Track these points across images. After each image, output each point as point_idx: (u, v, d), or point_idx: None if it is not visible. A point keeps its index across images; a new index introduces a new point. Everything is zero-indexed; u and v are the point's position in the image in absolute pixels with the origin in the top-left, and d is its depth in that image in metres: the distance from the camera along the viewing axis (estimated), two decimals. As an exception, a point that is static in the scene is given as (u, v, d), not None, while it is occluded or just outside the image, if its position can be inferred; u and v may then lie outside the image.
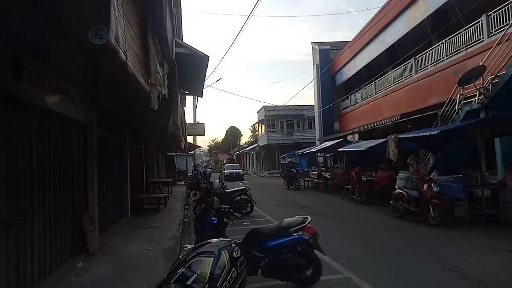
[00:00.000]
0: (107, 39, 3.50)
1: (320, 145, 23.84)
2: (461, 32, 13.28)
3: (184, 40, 12.23)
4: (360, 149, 15.51)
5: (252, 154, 53.56)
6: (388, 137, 12.64)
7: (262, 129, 45.37)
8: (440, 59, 14.69)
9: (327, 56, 28.45)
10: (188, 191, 18.36)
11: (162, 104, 7.20)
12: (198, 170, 26.38)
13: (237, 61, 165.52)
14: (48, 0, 3.60)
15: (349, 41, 25.99)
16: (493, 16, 11.63)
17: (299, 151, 25.81)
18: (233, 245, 3.59)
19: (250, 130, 71.10)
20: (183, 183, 25.59)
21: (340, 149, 18.29)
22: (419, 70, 16.34)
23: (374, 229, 9.00)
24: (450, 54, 14.07)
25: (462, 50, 13.31)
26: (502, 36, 10.37)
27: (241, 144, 67.26)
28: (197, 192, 16.58)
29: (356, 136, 20.83)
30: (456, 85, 11.80)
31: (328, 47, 29.23)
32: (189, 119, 26.90)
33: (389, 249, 7.05)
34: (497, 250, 6.50)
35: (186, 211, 12.59)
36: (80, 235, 6.24)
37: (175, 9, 9.53)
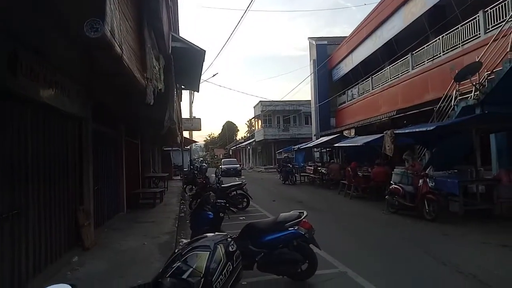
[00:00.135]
0: (103, 32, 3.45)
1: (317, 141, 23.86)
2: (458, 28, 13.30)
3: (181, 34, 12.15)
4: (356, 144, 15.56)
5: (249, 149, 53.57)
6: (384, 132, 12.67)
7: (258, 124, 45.35)
8: (437, 55, 14.72)
9: (324, 51, 28.42)
10: (184, 186, 18.35)
11: (158, 98, 7.16)
12: (194, 165, 26.36)
13: (234, 56, 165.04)
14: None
15: (346, 37, 25.94)
16: (490, 12, 11.65)
17: (295, 146, 25.86)
18: (229, 239, 3.59)
19: (247, 125, 71.11)
20: (179, 178, 25.56)
21: (336, 145, 18.32)
22: (416, 65, 16.37)
23: (369, 224, 9.04)
24: (446, 50, 14.10)
25: (459, 46, 13.33)
26: (499, 32, 10.39)
27: (238, 139, 67.17)
28: (193, 187, 16.58)
29: (353, 132, 20.89)
30: (453, 81, 11.83)
31: (325, 42, 29.19)
32: (185, 114, 26.82)
33: (384, 243, 7.09)
34: (491, 245, 6.56)
35: (182, 206, 12.59)
36: (75, 229, 6.21)
37: (171, 2, 9.46)
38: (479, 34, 12.23)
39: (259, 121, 44.42)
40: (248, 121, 68.13)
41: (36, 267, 4.76)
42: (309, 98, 31.61)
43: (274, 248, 4.68)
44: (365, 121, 19.52)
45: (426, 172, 9.47)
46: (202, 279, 2.95)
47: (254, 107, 46.11)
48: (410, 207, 9.45)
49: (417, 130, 10.77)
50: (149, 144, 17.48)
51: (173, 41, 9.33)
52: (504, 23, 10.37)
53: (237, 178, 23.81)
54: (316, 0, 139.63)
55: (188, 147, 31.37)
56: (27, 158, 4.62)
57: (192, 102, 28.10)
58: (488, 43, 10.71)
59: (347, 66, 25.45)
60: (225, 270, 3.22)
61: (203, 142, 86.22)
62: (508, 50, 9.61)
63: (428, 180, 9.09)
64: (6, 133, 4.13)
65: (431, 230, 8.00)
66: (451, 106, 11.80)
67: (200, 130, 29.43)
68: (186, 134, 26.98)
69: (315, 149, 26.79)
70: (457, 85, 11.74)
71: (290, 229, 4.76)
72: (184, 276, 2.90)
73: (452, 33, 13.70)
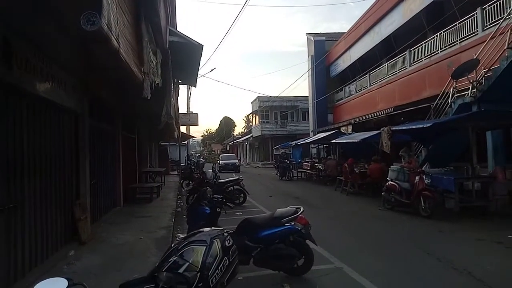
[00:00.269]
0: (99, 26, 3.44)
1: (314, 137, 23.88)
2: (456, 25, 13.29)
3: (178, 29, 12.09)
4: (353, 141, 15.58)
5: (246, 144, 53.53)
6: (381, 129, 12.69)
7: (256, 120, 45.28)
8: (435, 51, 14.72)
9: (322, 47, 28.35)
10: (181, 181, 18.35)
11: (155, 93, 7.14)
12: (191, 160, 26.34)
13: (232, 51, 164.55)
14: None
15: (344, 33, 25.89)
16: (488, 9, 11.64)
17: (292, 142, 25.85)
18: (225, 234, 3.59)
19: (244, 121, 70.96)
20: (176, 173, 25.54)
21: (334, 141, 18.34)
22: (414, 62, 16.37)
23: (365, 220, 9.08)
24: (444, 47, 14.10)
25: (457, 43, 13.34)
26: (496, 30, 10.40)
27: (235, 134, 67.12)
28: (190, 182, 16.58)
29: (350, 128, 20.89)
30: (450, 78, 11.85)
31: (323, 38, 29.11)
32: (182, 109, 26.74)
33: (380, 240, 7.12)
34: (486, 242, 6.61)
35: (179, 201, 12.58)
36: (72, 223, 6.20)
37: (169, -4, 9.41)
38: (477, 31, 12.24)
39: (257, 117, 44.35)
40: (245, 116, 67.99)
41: (32, 261, 4.75)
42: (307, 94, 31.60)
43: (270, 244, 4.69)
44: (362, 117, 19.53)
45: (423, 169, 9.51)
46: (198, 274, 2.96)
47: (251, 103, 46.05)
48: (406, 204, 9.49)
49: (414, 127, 10.79)
50: (146, 139, 17.44)
51: (170, 35, 9.30)
52: (501, 20, 10.37)
53: (234, 174, 23.83)
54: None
55: (185, 142, 31.34)
56: (23, 152, 4.60)
57: (190, 97, 28.04)
58: (485, 41, 10.72)
59: (345, 62, 25.43)
60: (221, 264, 3.23)
61: (201, 137, 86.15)
62: (505, 47, 9.62)
63: (424, 177, 9.14)
64: (1, 126, 4.11)
65: (427, 226, 8.04)
66: (448, 103, 11.84)
67: (197, 125, 29.31)
68: (183, 129, 26.90)
69: (312, 145, 26.82)
70: (455, 82, 11.76)
71: (286, 224, 4.77)
72: (181, 271, 2.91)
73: (450, 30, 13.70)
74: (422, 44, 15.66)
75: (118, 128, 10.26)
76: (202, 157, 44.50)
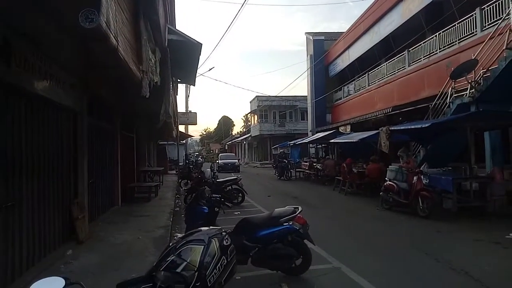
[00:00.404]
0: (98, 23, 3.42)
1: (312, 136, 23.89)
2: (455, 25, 13.30)
3: (177, 27, 12.06)
4: (351, 140, 15.59)
5: (244, 144, 53.51)
6: (380, 129, 12.70)
7: (254, 120, 45.25)
8: (433, 52, 14.73)
9: (321, 47, 28.33)
10: (179, 181, 18.33)
11: (154, 91, 7.12)
12: (190, 159, 26.31)
13: (231, 50, 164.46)
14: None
15: (343, 32, 25.88)
16: (487, 10, 11.65)
17: (291, 142, 25.86)
18: (223, 233, 3.59)
19: (243, 120, 70.94)
20: (174, 172, 25.50)
21: (332, 141, 18.34)
22: (412, 62, 16.37)
23: (363, 220, 9.08)
24: (443, 47, 14.10)
25: (455, 44, 13.34)
26: (495, 30, 10.40)
27: (233, 134, 67.12)
28: (188, 181, 16.57)
29: (348, 128, 20.91)
30: (448, 78, 11.86)
31: (323, 37, 29.09)
32: (181, 108, 26.71)
33: (378, 240, 7.13)
34: (484, 242, 6.62)
35: (177, 200, 12.57)
36: (69, 222, 6.18)
37: (168, -5, 9.38)
38: (476, 31, 12.25)
39: (255, 116, 44.32)
40: (244, 116, 68.01)
41: (30, 260, 4.74)
42: (306, 94, 31.58)
43: (268, 243, 4.68)
44: (361, 117, 19.54)
45: (421, 169, 9.52)
46: (196, 273, 2.95)
47: (250, 102, 46.04)
48: (404, 204, 9.50)
49: (412, 127, 10.80)
50: (144, 138, 17.41)
51: (169, 33, 9.28)
52: (500, 21, 10.38)
53: (233, 174, 23.79)
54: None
55: (184, 141, 31.26)
56: (22, 150, 4.58)
57: (188, 96, 28.03)
58: (484, 41, 10.74)
59: (343, 62, 25.43)
60: (219, 264, 3.22)
61: (199, 137, 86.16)
62: (504, 48, 9.63)
63: (422, 177, 9.15)
64: (0, 125, 4.09)
65: (425, 226, 8.05)
66: (446, 103, 11.85)
67: (196, 124, 29.28)
68: (181, 128, 26.87)
69: (310, 145, 26.83)
70: (453, 83, 11.77)
71: (284, 224, 4.77)
72: (178, 270, 2.90)
73: (449, 30, 13.70)
74: (421, 44, 15.67)
75: (117, 127, 10.24)
76: (200, 156, 44.48)
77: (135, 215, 9.11)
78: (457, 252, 6.04)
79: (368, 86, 21.07)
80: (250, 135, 46.41)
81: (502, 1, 10.92)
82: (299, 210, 4.95)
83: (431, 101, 12.83)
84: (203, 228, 3.61)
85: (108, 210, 9.24)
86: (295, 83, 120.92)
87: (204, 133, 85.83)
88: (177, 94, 20.83)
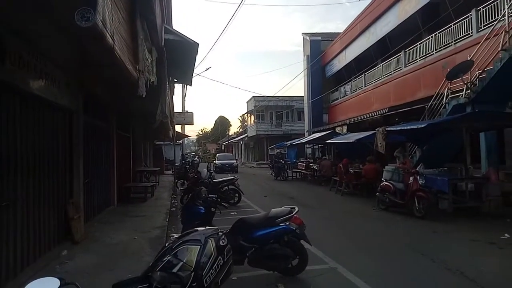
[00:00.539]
0: (94, 22, 3.40)
1: (309, 137, 23.89)
2: (451, 26, 13.36)
3: (174, 27, 12.02)
4: (348, 141, 15.61)
5: (241, 144, 53.46)
6: (376, 129, 12.73)
7: (251, 120, 45.24)
8: (430, 52, 14.79)
9: (318, 47, 28.37)
10: (176, 181, 18.29)
11: (150, 91, 7.09)
12: (186, 159, 26.26)
13: (228, 50, 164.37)
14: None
15: (340, 33, 25.92)
16: (482, 11, 11.71)
17: (287, 142, 25.86)
18: (220, 233, 3.58)
19: (239, 121, 71.03)
20: (170, 172, 25.44)
21: (329, 141, 18.36)
22: (409, 63, 16.43)
23: (360, 220, 9.10)
24: (439, 48, 14.17)
25: (451, 44, 13.41)
26: (491, 31, 10.46)
27: (230, 134, 67.08)
28: (185, 181, 16.53)
29: (345, 128, 20.95)
30: (444, 79, 11.91)
31: (319, 38, 29.12)
32: (177, 108, 26.65)
33: (374, 240, 7.14)
34: (479, 242, 6.65)
35: (173, 201, 12.54)
36: (65, 223, 6.15)
37: (164, -6, 9.35)
38: (472, 32, 12.31)
39: (252, 117, 44.29)
40: (240, 116, 68.10)
41: (24, 260, 4.70)
42: (302, 94, 31.60)
43: (265, 244, 4.68)
44: (357, 118, 19.60)
45: (417, 169, 9.54)
46: (193, 273, 2.94)
47: (247, 102, 45.98)
48: (400, 204, 9.53)
49: (408, 127, 10.83)
50: (140, 137, 17.34)
51: (166, 33, 9.25)
52: (496, 22, 10.44)
53: (230, 175, 23.73)
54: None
55: (180, 141, 31.22)
56: (16, 149, 4.54)
57: (185, 95, 27.93)
58: (480, 42, 10.79)
59: (340, 62, 25.46)
60: (215, 264, 3.22)
61: (196, 137, 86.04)
62: (499, 49, 9.69)
63: (418, 177, 9.17)
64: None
65: (421, 227, 8.07)
66: (442, 104, 11.89)
67: (192, 124, 29.19)
68: (178, 128, 26.80)
69: (307, 145, 26.85)
70: (449, 83, 11.82)
71: (281, 224, 4.77)
72: (175, 270, 2.89)
73: (445, 31, 13.77)
74: (417, 45, 15.73)
75: (113, 127, 10.19)
76: (197, 156, 44.40)
77: (131, 215, 9.07)
78: (453, 252, 6.06)
79: (365, 86, 21.13)
80: (247, 135, 46.38)
81: (497, 3, 10.99)
82: (296, 211, 4.95)
83: (427, 102, 12.88)
84: (199, 228, 3.60)
85: (104, 210, 9.20)
86: (292, 83, 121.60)
87: (201, 133, 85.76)
88: (173, 94, 20.82)
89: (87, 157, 7.54)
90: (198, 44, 10.03)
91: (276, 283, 4.69)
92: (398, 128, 11.79)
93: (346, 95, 24.33)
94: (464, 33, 12.71)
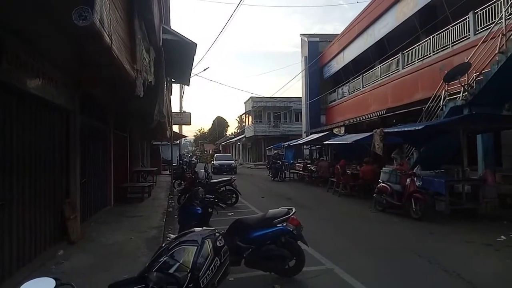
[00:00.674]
0: (91, 21, 3.39)
1: (307, 138, 23.90)
2: (448, 28, 13.41)
3: (172, 27, 12.01)
4: (345, 142, 15.61)
5: (239, 145, 53.42)
6: (374, 131, 12.74)
7: (249, 120, 45.19)
8: (427, 54, 14.84)
9: (316, 49, 28.39)
10: (173, 181, 18.26)
11: (148, 91, 7.08)
12: (184, 160, 26.21)
13: (226, 50, 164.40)
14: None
15: (338, 34, 25.98)
16: (480, 13, 11.76)
17: (285, 143, 25.86)
18: (217, 234, 3.57)
19: (237, 121, 70.92)
20: (168, 172, 25.39)
21: (326, 142, 18.38)
22: (406, 65, 16.47)
23: (357, 221, 9.11)
24: (437, 50, 14.21)
25: (449, 47, 13.45)
26: (488, 34, 10.49)
27: (228, 134, 67.05)
28: (182, 182, 16.50)
29: (342, 130, 20.99)
30: (442, 81, 11.94)
31: (317, 39, 29.15)
32: (175, 108, 26.61)
33: (371, 241, 7.14)
34: (476, 244, 6.66)
35: (170, 201, 12.51)
36: (61, 223, 6.12)
37: (163, -6, 9.34)
38: (469, 35, 12.36)
39: (250, 117, 44.25)
40: (238, 116, 67.97)
41: (20, 260, 4.68)
42: (300, 95, 31.63)
43: (262, 244, 4.67)
44: (355, 119, 19.61)
45: (414, 171, 9.56)
46: (189, 274, 2.92)
47: (244, 103, 45.97)
48: (397, 206, 9.54)
49: (406, 129, 10.85)
50: (138, 137, 17.31)
51: (164, 33, 9.25)
52: (493, 25, 10.48)
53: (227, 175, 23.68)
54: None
55: (178, 141, 31.15)
56: (12, 149, 4.52)
57: (183, 96, 27.90)
58: (477, 45, 10.83)
59: (338, 63, 25.50)
60: (212, 265, 3.20)
61: (193, 137, 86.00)
62: (496, 52, 9.72)
63: (415, 179, 9.18)
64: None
65: (418, 228, 8.08)
66: (439, 106, 11.93)
67: (190, 124, 29.11)
68: (175, 128, 26.76)
69: (305, 146, 26.88)
70: (446, 86, 11.85)
71: (278, 225, 4.76)
72: (171, 271, 2.88)
73: (442, 33, 13.82)
74: (415, 47, 15.77)
75: (110, 126, 10.16)
76: (194, 157, 44.33)
77: (128, 215, 9.04)
78: (449, 253, 6.08)
79: (363, 88, 21.16)
80: (245, 136, 46.34)
81: (495, 6, 11.04)
82: (293, 211, 4.95)
83: (425, 104, 12.91)
84: (196, 229, 3.59)
85: (100, 210, 9.16)
86: (290, 84, 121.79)
87: (198, 133, 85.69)
88: (171, 94, 20.75)
89: (84, 157, 7.51)
90: (196, 44, 10.02)
91: (273, 284, 4.68)
92: (396, 130, 11.81)
93: (344, 97, 24.37)
94: (462, 35, 12.76)
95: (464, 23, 12.59)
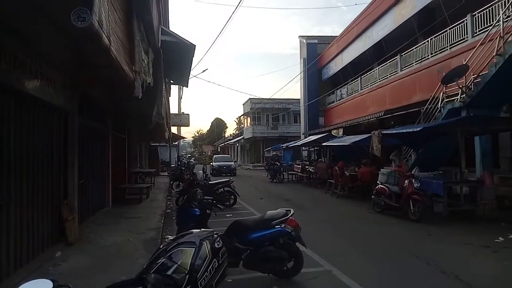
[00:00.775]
0: (90, 22, 3.38)
1: (305, 139, 23.93)
2: (446, 31, 13.46)
3: (171, 29, 12.00)
4: (344, 144, 15.63)
5: (237, 146, 53.41)
6: (372, 132, 12.76)
7: (247, 122, 45.20)
8: (425, 57, 14.88)
9: (315, 50, 28.45)
10: (171, 182, 18.24)
11: (147, 92, 7.07)
12: (182, 161, 26.19)
13: (224, 52, 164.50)
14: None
15: (337, 36, 26.03)
16: (478, 16, 11.80)
17: (283, 145, 25.89)
18: (215, 235, 3.56)
19: (236, 122, 70.93)
20: (166, 174, 25.36)
21: (324, 144, 18.39)
22: (404, 67, 16.52)
23: (355, 223, 9.11)
24: (435, 52, 14.25)
25: (447, 49, 13.49)
26: (486, 36, 10.53)
27: (226, 136, 67.03)
28: (180, 183, 16.49)
29: (341, 131, 21.03)
30: (440, 83, 11.97)
31: (316, 41, 29.22)
32: (173, 109, 26.61)
33: (369, 243, 7.15)
34: (474, 245, 6.67)
35: (168, 202, 12.49)
36: (59, 224, 6.10)
37: (161, -4, 9.34)
38: (467, 37, 12.40)
39: (248, 119, 44.26)
40: (237, 118, 67.99)
41: (18, 262, 4.66)
42: (299, 97, 31.66)
43: (260, 246, 4.67)
44: (353, 121, 19.65)
45: (412, 172, 9.57)
46: (187, 276, 2.92)
47: (243, 104, 45.98)
48: (395, 207, 9.54)
49: (404, 131, 10.87)
50: (136, 139, 17.29)
51: (162, 34, 9.23)
52: (491, 27, 10.52)
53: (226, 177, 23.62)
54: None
55: (176, 143, 31.11)
56: (10, 150, 4.51)
57: (181, 97, 27.88)
58: (475, 47, 10.87)
59: (336, 65, 25.55)
60: (210, 266, 3.20)
61: (191, 139, 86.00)
62: (494, 54, 9.76)
63: (413, 180, 9.19)
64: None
65: (416, 230, 8.09)
66: (437, 108, 11.95)
67: (188, 126, 29.05)
68: (174, 129, 26.72)
69: (303, 148, 26.88)
70: (444, 88, 11.88)
71: (276, 227, 4.76)
72: (169, 272, 2.87)
73: (440, 35, 13.86)
74: (413, 49, 15.82)
75: (108, 128, 10.15)
76: (193, 158, 44.29)
77: (126, 216, 9.02)
78: (447, 255, 6.08)
79: (361, 90, 21.19)
80: (243, 137, 46.34)
81: (492, 8, 11.08)
82: (291, 213, 4.95)
83: (423, 106, 12.94)
84: (194, 230, 3.58)
85: (98, 212, 9.14)
86: (288, 86, 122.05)
87: (197, 135, 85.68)
88: (169, 95, 20.74)
89: (82, 158, 7.49)
90: (195, 45, 10.01)
91: (271, 286, 4.68)
92: (394, 132, 11.83)
93: (342, 98, 24.41)
94: (460, 37, 12.80)
95: (462, 25, 12.63)
